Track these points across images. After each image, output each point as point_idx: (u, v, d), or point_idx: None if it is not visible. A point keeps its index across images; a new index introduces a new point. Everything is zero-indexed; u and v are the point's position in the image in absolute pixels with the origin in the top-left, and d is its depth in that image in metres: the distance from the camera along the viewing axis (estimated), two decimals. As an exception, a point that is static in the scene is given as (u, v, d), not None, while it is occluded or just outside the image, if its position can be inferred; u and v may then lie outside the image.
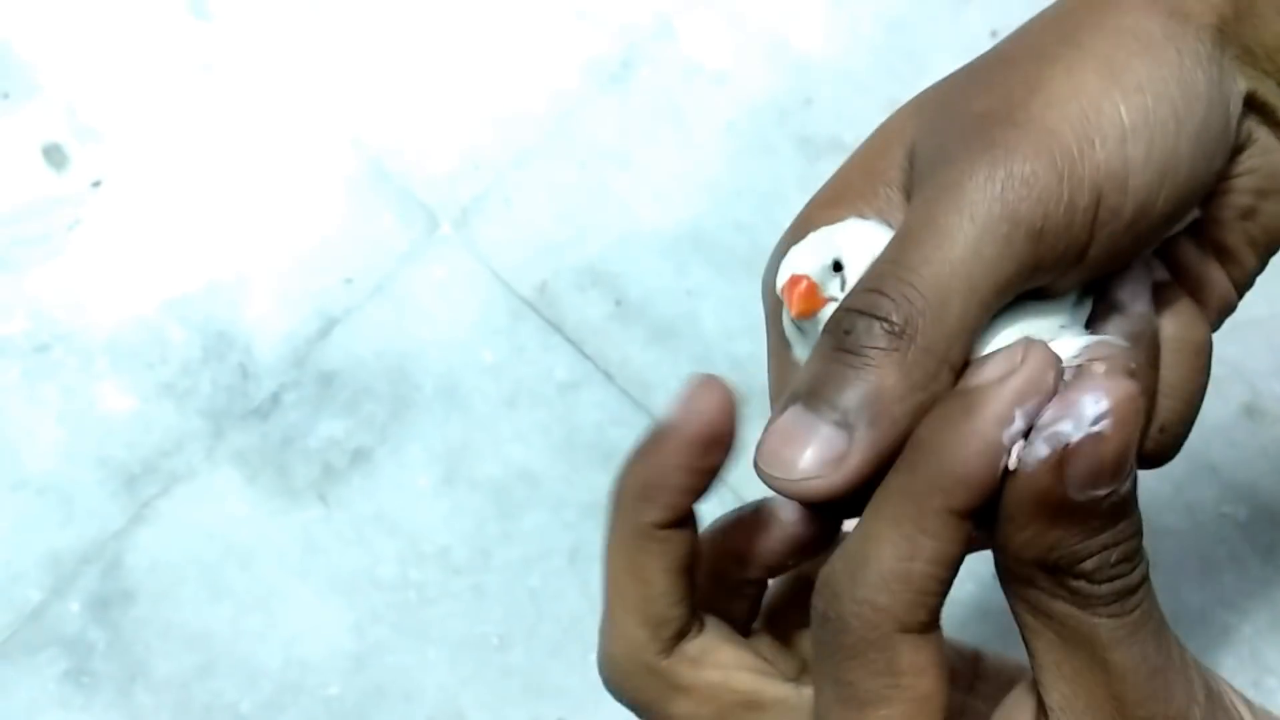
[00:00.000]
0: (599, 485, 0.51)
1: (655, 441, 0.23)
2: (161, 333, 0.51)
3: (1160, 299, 0.26)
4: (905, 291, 0.21)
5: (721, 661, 0.24)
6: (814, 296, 0.23)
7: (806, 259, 0.23)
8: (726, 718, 0.24)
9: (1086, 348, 0.23)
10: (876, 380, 0.21)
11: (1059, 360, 0.21)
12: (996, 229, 0.21)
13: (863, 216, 0.24)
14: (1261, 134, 0.26)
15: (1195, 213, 0.26)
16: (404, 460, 0.50)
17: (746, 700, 0.24)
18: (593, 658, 0.50)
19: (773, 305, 0.25)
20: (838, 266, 0.23)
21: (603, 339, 0.52)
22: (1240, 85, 0.25)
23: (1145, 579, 0.21)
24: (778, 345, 0.25)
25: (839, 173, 0.25)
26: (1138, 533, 0.20)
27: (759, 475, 0.22)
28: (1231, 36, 0.24)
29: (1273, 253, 0.28)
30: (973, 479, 0.20)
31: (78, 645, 0.47)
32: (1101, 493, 0.20)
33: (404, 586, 0.49)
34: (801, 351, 0.24)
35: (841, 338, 0.21)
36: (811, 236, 0.24)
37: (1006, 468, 0.20)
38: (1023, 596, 0.21)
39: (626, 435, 0.51)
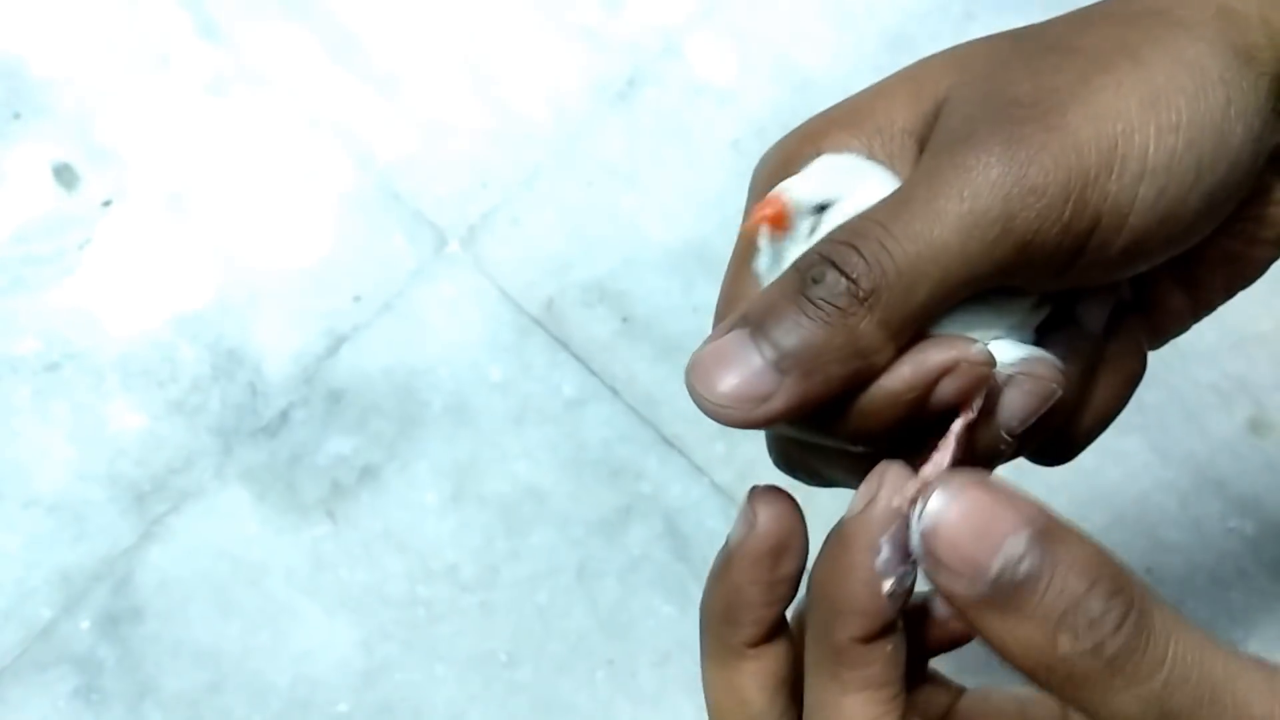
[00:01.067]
0: (606, 501, 0.52)
1: (727, 562, 0.23)
2: (171, 351, 0.51)
3: (1113, 319, 0.26)
4: (881, 259, 0.21)
5: None
6: (779, 223, 0.23)
7: (800, 190, 0.23)
8: None
9: (1024, 360, 0.23)
10: (825, 338, 0.21)
11: (910, 479, 0.21)
12: (988, 229, 0.21)
13: (872, 155, 0.24)
14: (1276, 186, 0.25)
15: None
16: (412, 477, 0.51)
17: None
18: (600, 674, 0.50)
19: (752, 205, 0.25)
20: (821, 208, 0.23)
21: (610, 356, 0.53)
22: (1275, 139, 0.24)
23: (1144, 628, 0.19)
24: (744, 245, 0.25)
25: (865, 94, 0.25)
26: (1094, 584, 0.19)
27: (685, 379, 0.22)
28: None
29: (1238, 291, 0.28)
30: (860, 608, 0.20)
31: (88, 663, 0.48)
32: (993, 572, 0.19)
33: (412, 603, 0.49)
34: (764, 263, 0.24)
35: (808, 283, 0.21)
36: (818, 166, 0.24)
37: (891, 592, 0.21)
38: (1073, 704, 0.20)
39: (634, 451, 0.52)
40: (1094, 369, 0.25)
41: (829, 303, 0.21)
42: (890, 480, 0.21)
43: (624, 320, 0.53)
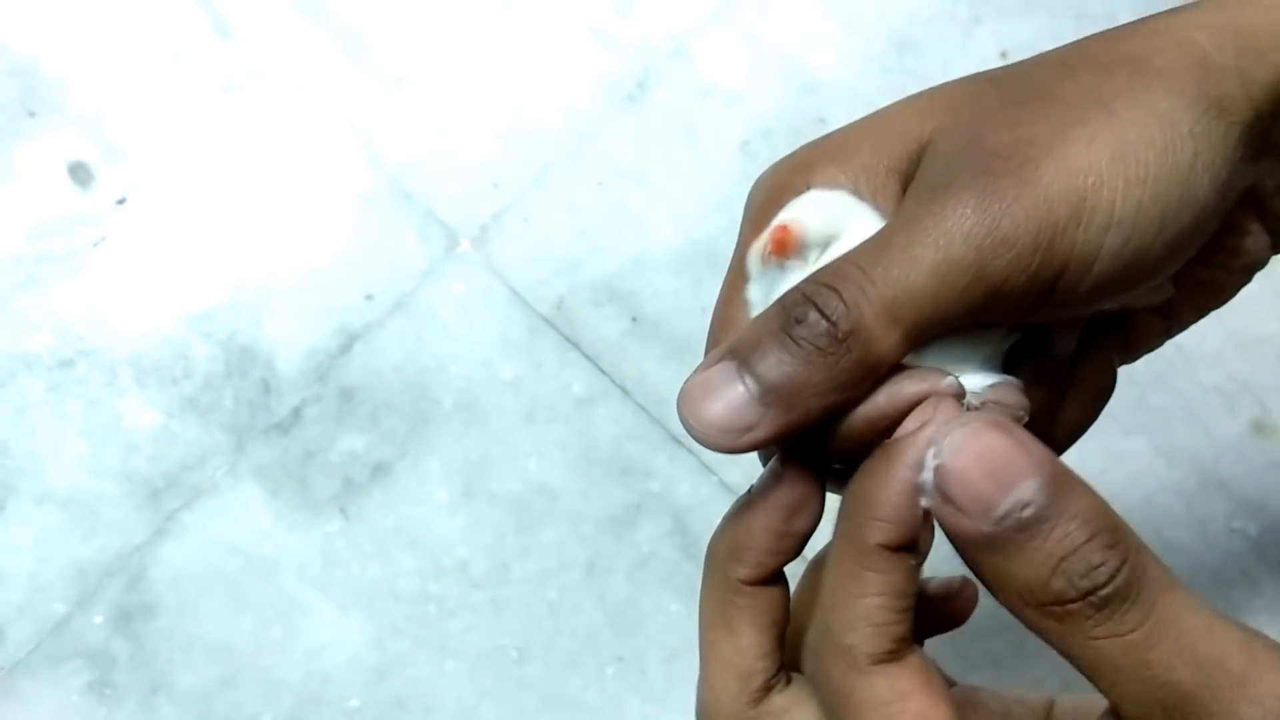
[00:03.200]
0: (616, 499, 0.52)
1: (744, 508, 0.25)
2: (185, 348, 0.52)
3: (1085, 338, 0.27)
4: (859, 302, 0.22)
5: (805, 716, 0.25)
6: (786, 247, 0.24)
7: (814, 218, 0.24)
8: None
9: (992, 387, 0.24)
10: (805, 375, 0.22)
11: (962, 409, 0.23)
12: (961, 276, 0.22)
13: (858, 190, 0.25)
14: (1253, 226, 0.27)
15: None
16: (423, 474, 0.51)
17: None
18: (609, 670, 0.51)
19: (746, 234, 0.26)
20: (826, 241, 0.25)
21: (619, 355, 0.53)
22: (1245, 181, 0.25)
23: (1134, 583, 0.20)
24: (736, 270, 0.26)
25: (855, 129, 0.26)
26: (1094, 536, 0.20)
27: (677, 407, 0.24)
28: (1261, 132, 0.25)
29: (1208, 312, 0.29)
30: (894, 516, 0.22)
31: (101, 657, 0.48)
32: (1001, 510, 0.20)
33: (424, 600, 0.49)
34: (754, 290, 0.25)
35: (790, 322, 0.23)
36: (814, 199, 0.25)
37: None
38: (1056, 644, 0.21)
39: (643, 450, 0.52)
40: (1064, 389, 0.27)
41: (810, 342, 0.22)
42: (944, 410, 0.22)
43: (633, 320, 0.54)
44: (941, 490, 0.21)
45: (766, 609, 0.25)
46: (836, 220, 0.24)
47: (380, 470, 0.51)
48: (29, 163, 0.54)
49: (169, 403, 0.51)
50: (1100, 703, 0.22)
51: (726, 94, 0.58)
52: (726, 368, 0.23)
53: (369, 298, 0.53)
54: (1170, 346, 0.55)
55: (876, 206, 0.25)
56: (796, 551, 0.25)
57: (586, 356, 0.53)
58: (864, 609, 0.22)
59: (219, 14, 0.56)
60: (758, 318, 0.24)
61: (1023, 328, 0.25)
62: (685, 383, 0.24)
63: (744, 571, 0.25)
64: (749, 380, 0.23)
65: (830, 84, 0.58)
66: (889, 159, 0.25)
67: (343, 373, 0.52)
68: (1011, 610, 0.22)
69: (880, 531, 0.22)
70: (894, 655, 0.22)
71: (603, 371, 0.53)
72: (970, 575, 0.23)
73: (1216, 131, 0.24)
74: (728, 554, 0.25)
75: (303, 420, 0.51)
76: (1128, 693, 0.21)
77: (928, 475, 0.21)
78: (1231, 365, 0.54)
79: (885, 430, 0.23)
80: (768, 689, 0.25)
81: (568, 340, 0.53)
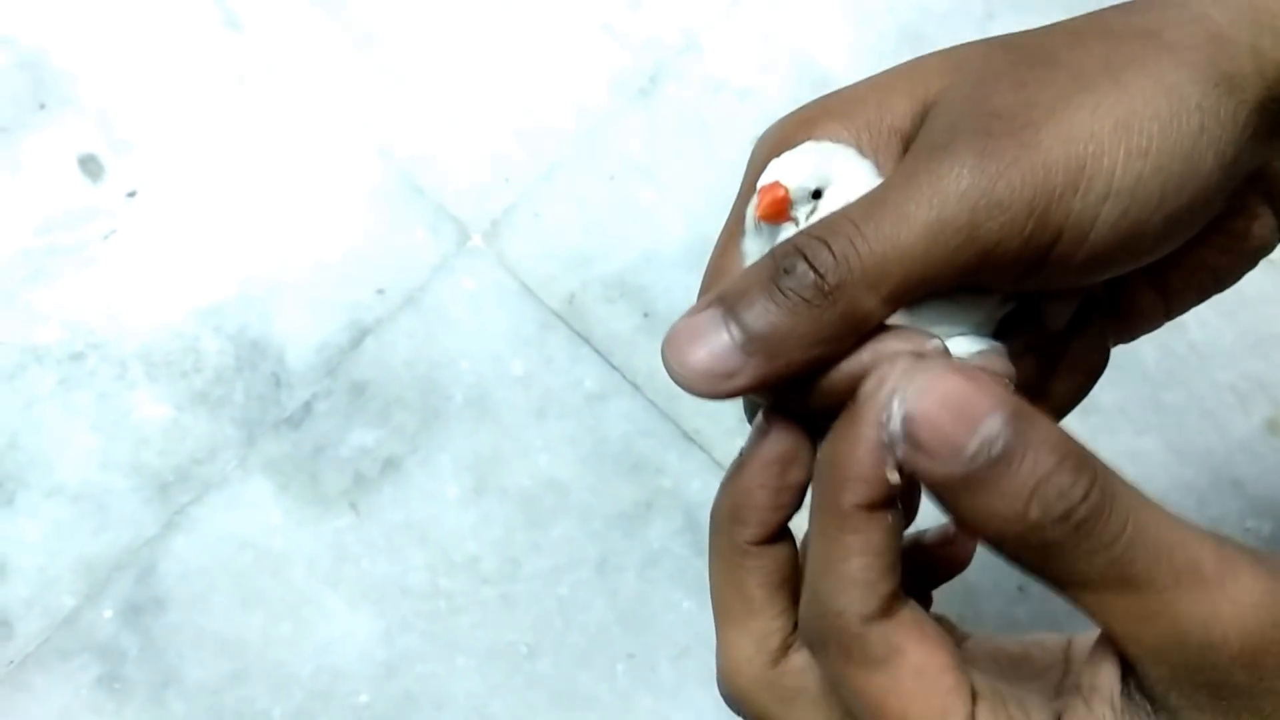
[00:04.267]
0: (626, 495, 0.52)
1: (740, 467, 0.24)
2: (195, 342, 0.52)
3: (1080, 314, 0.27)
4: (849, 255, 0.22)
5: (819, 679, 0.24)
6: (781, 212, 0.24)
7: (796, 173, 0.24)
8: None
9: (979, 354, 0.24)
10: (790, 324, 0.22)
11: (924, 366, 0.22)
12: (953, 236, 0.22)
13: (861, 150, 0.25)
14: (1261, 210, 0.26)
15: None
16: (434, 469, 0.51)
17: (846, 710, 0.24)
18: (620, 667, 0.51)
19: (746, 187, 0.26)
20: (817, 194, 0.24)
21: (630, 350, 0.53)
22: (1254, 161, 0.25)
23: (1106, 498, 0.20)
24: (735, 221, 0.26)
25: (862, 86, 0.26)
26: (1063, 460, 0.20)
27: (661, 350, 0.23)
28: (1273, 112, 0.24)
29: (1210, 296, 0.29)
30: (865, 475, 0.22)
31: (110, 651, 0.48)
32: (971, 449, 0.20)
33: (434, 595, 0.49)
34: (749, 242, 0.25)
35: (780, 272, 0.23)
36: (809, 147, 0.25)
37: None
38: (1043, 577, 0.22)
39: (654, 446, 0.52)
40: (1056, 362, 0.26)
41: (796, 293, 0.22)
42: (901, 365, 0.22)
43: (645, 315, 0.54)
44: (911, 438, 0.21)
45: (775, 568, 0.25)
46: (826, 171, 0.24)
47: (391, 465, 0.51)
48: (39, 155, 0.53)
49: (179, 396, 0.51)
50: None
51: (738, 89, 0.58)
52: (713, 314, 0.23)
53: (380, 292, 0.53)
54: (1184, 345, 0.55)
55: (877, 163, 0.25)
56: (796, 504, 0.24)
57: (597, 352, 0.53)
58: (849, 571, 0.22)
59: (229, 7, 0.56)
60: (749, 268, 0.24)
61: (1018, 297, 0.25)
62: (672, 327, 0.23)
63: (748, 532, 0.24)
64: (734, 328, 0.23)
65: (841, 79, 0.57)
66: (893, 117, 0.25)
67: (353, 367, 0.52)
68: (994, 549, 0.21)
69: (854, 492, 0.22)
70: (885, 612, 0.22)
71: (614, 367, 0.53)
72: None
73: (1225, 107, 0.23)
74: (730, 517, 0.25)
75: (313, 415, 0.51)
76: (1114, 610, 0.21)
77: (895, 425, 0.21)
78: (1245, 364, 0.54)
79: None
80: (786, 648, 0.25)
81: (579, 335, 0.53)
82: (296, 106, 0.55)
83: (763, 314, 0.22)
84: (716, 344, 0.22)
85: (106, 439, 0.50)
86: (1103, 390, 0.51)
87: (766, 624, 0.24)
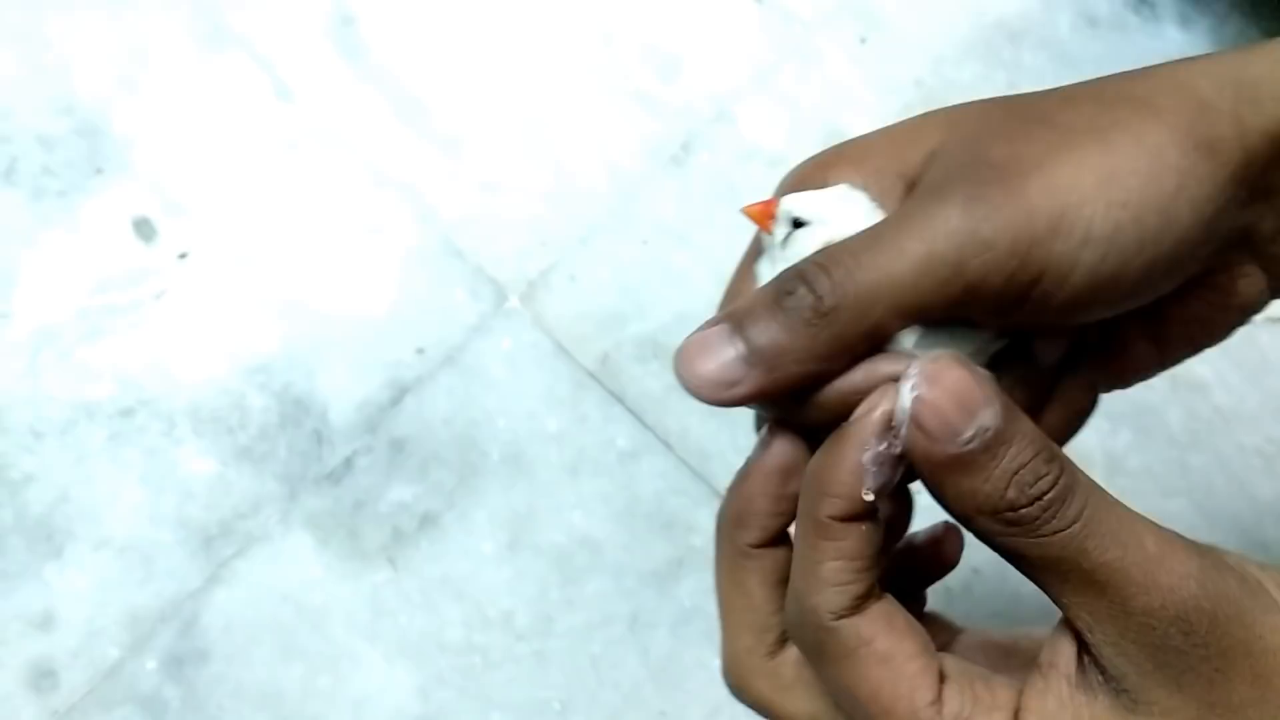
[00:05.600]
0: (659, 553, 0.53)
1: (744, 476, 0.27)
2: (241, 399, 0.53)
3: (1071, 357, 0.29)
4: (845, 282, 0.25)
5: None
6: (762, 216, 0.28)
7: (793, 202, 0.27)
8: (824, 715, 0.27)
9: None
10: (788, 341, 0.25)
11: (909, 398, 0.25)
12: (940, 270, 0.24)
13: (868, 190, 0.27)
14: (1249, 268, 0.28)
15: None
16: (470, 526, 0.52)
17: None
18: (652, 725, 0.51)
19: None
20: (798, 224, 0.27)
21: (663, 410, 0.54)
22: (1238, 222, 0.27)
23: (1070, 488, 0.23)
24: (752, 249, 0.29)
25: (874, 136, 0.29)
26: (1038, 453, 0.23)
27: (673, 360, 0.26)
28: (1253, 175, 0.26)
29: (1203, 349, 0.31)
30: (843, 492, 0.24)
31: (153, 703, 0.49)
32: (968, 434, 0.23)
33: (469, 650, 0.50)
34: (763, 265, 0.28)
35: (782, 295, 0.25)
36: (817, 194, 0.27)
37: (870, 488, 0.25)
38: (1004, 551, 0.24)
39: (686, 504, 0.53)
40: (1044, 399, 0.29)
41: (796, 313, 0.25)
42: (888, 398, 0.25)
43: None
44: (916, 419, 0.23)
45: (774, 568, 0.27)
46: (819, 213, 0.27)
47: (428, 521, 0.52)
48: (95, 218, 0.55)
49: (224, 452, 0.52)
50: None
51: (768, 156, 0.59)
52: (722, 330, 0.25)
53: (420, 352, 0.54)
54: (1209, 408, 0.55)
55: (883, 205, 0.27)
56: (794, 513, 0.26)
57: (630, 411, 0.54)
58: (824, 573, 0.25)
59: (280, 77, 0.59)
60: (757, 290, 0.26)
61: (1010, 336, 0.27)
62: (685, 339, 0.26)
63: (750, 535, 0.27)
64: (739, 342, 0.25)
65: (869, 148, 0.59)
66: (899, 165, 0.27)
67: (393, 425, 0.53)
68: (967, 523, 0.24)
69: (832, 505, 0.24)
70: (855, 608, 0.25)
71: (646, 426, 0.54)
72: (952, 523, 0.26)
73: (1204, 168, 0.25)
74: (734, 522, 0.27)
75: (354, 471, 0.52)
76: (1069, 581, 0.24)
77: (905, 405, 0.24)
78: (1270, 428, 0.55)
79: (857, 405, 0.25)
80: (782, 641, 0.27)
81: (612, 395, 0.54)
82: (341, 173, 0.57)
83: (765, 331, 0.25)
84: (723, 356, 0.25)
85: (153, 493, 0.51)
86: (1130, 453, 0.52)
87: (765, 619, 0.27)
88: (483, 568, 0.51)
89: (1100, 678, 0.24)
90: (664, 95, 0.60)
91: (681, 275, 0.57)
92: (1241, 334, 0.30)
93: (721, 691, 0.50)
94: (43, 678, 0.49)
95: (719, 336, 0.25)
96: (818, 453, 0.25)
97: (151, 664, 0.49)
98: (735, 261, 0.57)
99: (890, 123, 0.29)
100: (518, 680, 0.50)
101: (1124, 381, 0.31)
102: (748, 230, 0.56)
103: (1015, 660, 0.28)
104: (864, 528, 0.25)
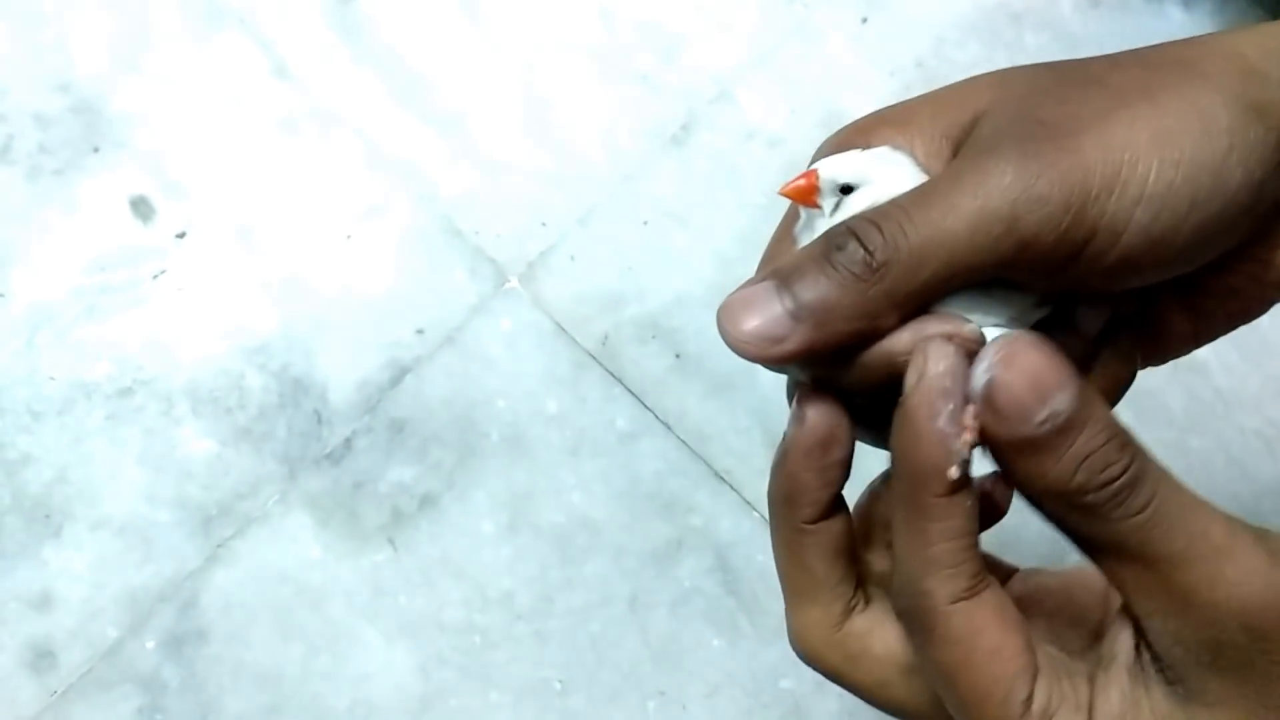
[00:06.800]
0: (658, 534, 0.53)
1: (784, 455, 0.26)
2: (240, 379, 0.53)
3: (1111, 328, 0.28)
4: (897, 238, 0.24)
5: (886, 634, 0.27)
6: (805, 195, 0.27)
7: (834, 168, 0.26)
8: (892, 683, 0.27)
9: None
10: (837, 296, 0.24)
11: (958, 351, 0.24)
12: (994, 226, 0.24)
13: (912, 152, 0.27)
14: None
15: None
16: (470, 506, 0.52)
17: (909, 667, 0.27)
18: (651, 704, 0.51)
19: None
20: (846, 190, 0.26)
21: (663, 391, 0.54)
22: None
23: (1140, 476, 0.23)
24: (791, 212, 0.28)
25: (916, 100, 0.28)
26: (1111, 439, 0.23)
27: (716, 317, 0.25)
28: None
29: (1239, 325, 0.30)
30: (932, 466, 0.23)
31: (152, 683, 0.49)
32: (1040, 417, 0.23)
33: (469, 630, 0.50)
34: (802, 232, 0.27)
35: (832, 250, 0.25)
36: (858, 154, 0.27)
37: (959, 453, 0.24)
38: (1069, 534, 0.24)
39: (685, 485, 0.53)
40: (1086, 369, 0.28)
41: (846, 268, 0.24)
42: (933, 353, 0.24)
43: (676, 356, 0.55)
44: (988, 400, 0.23)
45: (831, 541, 0.26)
46: (865, 174, 0.26)
47: (428, 501, 0.52)
48: (92, 197, 0.55)
49: (223, 432, 0.52)
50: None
51: (768, 136, 0.59)
52: (768, 286, 0.25)
53: (419, 332, 0.54)
54: (1209, 391, 0.55)
55: (928, 168, 0.26)
56: (843, 479, 0.26)
57: (630, 392, 0.54)
58: (934, 556, 0.24)
59: (279, 56, 0.58)
60: (804, 247, 0.26)
61: (1052, 303, 0.27)
62: (728, 296, 0.25)
63: (803, 513, 0.26)
64: (786, 298, 0.24)
65: (870, 128, 0.59)
66: (945, 126, 0.27)
67: (393, 405, 0.53)
68: (1036, 504, 0.24)
69: (929, 485, 0.24)
70: (970, 591, 0.24)
71: (646, 407, 0.54)
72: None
73: (1254, 132, 0.25)
74: (784, 501, 0.26)
75: (353, 451, 0.52)
76: (1131, 569, 0.23)
77: (979, 385, 0.23)
78: (1271, 410, 0.55)
79: (903, 367, 0.25)
80: (849, 612, 0.27)
81: (612, 376, 0.54)
82: (341, 152, 0.57)
83: (814, 285, 0.24)
84: (770, 311, 0.24)
85: (152, 473, 0.51)
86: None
87: (829, 593, 0.27)
88: (482, 548, 0.51)
89: (1155, 666, 0.24)
90: (664, 75, 0.60)
91: (682, 256, 0.57)
92: (1242, 316, 0.30)
93: (720, 671, 0.50)
94: (41, 658, 0.49)
95: (765, 292, 0.24)
96: (894, 432, 0.24)
97: (150, 644, 0.49)
98: (735, 242, 0.57)
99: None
100: (518, 660, 0.50)
101: (1160, 356, 0.31)
102: (749, 210, 0.56)
103: (1069, 613, 0.28)
104: (967, 501, 0.24)
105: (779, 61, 0.61)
